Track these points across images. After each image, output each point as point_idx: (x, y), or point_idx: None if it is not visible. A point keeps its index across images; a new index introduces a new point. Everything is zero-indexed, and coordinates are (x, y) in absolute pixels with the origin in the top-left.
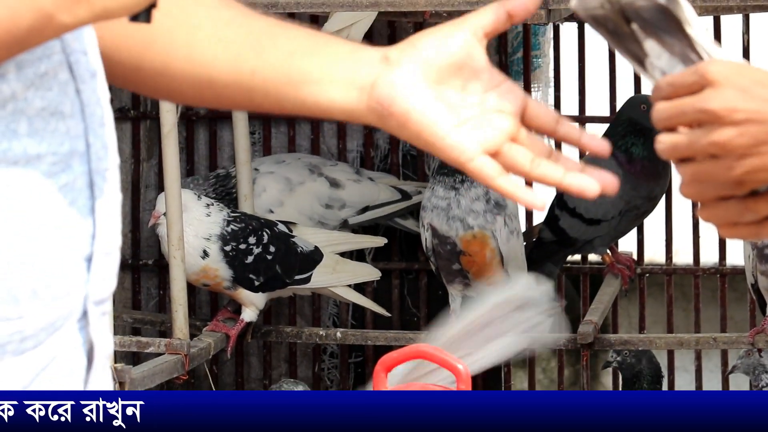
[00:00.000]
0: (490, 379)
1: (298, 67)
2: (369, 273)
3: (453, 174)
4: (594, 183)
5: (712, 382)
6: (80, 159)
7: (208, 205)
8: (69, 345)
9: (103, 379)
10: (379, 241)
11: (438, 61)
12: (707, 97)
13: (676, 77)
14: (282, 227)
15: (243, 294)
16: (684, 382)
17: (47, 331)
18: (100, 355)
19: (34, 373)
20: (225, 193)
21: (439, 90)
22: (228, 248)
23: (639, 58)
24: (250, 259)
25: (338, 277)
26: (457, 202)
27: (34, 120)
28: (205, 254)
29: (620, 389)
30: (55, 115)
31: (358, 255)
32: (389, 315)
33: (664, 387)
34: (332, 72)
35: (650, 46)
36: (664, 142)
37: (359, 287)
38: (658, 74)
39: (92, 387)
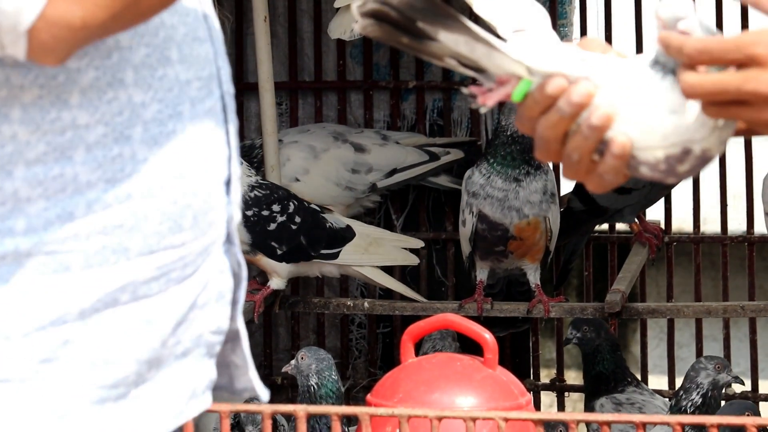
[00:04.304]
0: (518, 348)
1: None
2: (404, 258)
3: (519, 165)
4: None
5: (740, 351)
6: (216, 83)
7: None
8: (217, 269)
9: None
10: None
11: None
12: (755, 77)
13: (712, 46)
14: (314, 205)
15: (264, 261)
16: (712, 350)
17: (202, 256)
18: (245, 275)
19: (191, 301)
20: (250, 164)
21: None
22: (249, 213)
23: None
24: (272, 226)
25: (370, 257)
26: (515, 193)
27: (181, 46)
28: None
29: (582, 365)
30: (195, 40)
31: (386, 224)
32: (419, 299)
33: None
34: None
35: (443, 36)
36: (689, 82)
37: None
38: (451, 60)
39: (240, 309)
